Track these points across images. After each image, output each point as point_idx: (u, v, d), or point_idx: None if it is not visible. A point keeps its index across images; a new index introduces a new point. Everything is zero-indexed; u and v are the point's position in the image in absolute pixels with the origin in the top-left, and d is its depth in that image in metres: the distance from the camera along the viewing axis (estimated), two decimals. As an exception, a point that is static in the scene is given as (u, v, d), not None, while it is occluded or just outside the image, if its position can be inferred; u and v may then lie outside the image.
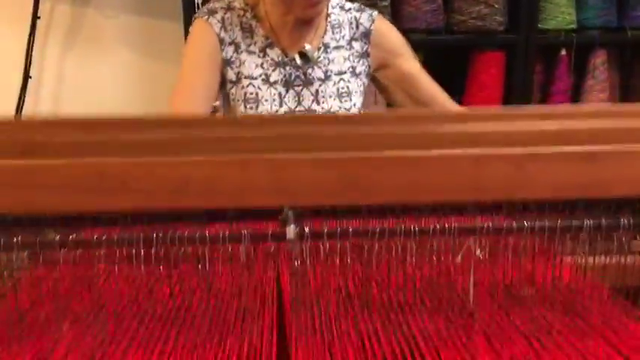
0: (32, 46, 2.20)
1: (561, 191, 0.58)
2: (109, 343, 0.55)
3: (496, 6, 2.14)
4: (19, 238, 0.57)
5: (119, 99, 2.28)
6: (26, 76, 2.20)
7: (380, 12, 2.13)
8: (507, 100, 2.19)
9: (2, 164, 0.56)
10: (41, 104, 2.25)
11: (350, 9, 1.35)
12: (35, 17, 2.20)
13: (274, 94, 1.27)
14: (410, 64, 1.35)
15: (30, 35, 2.20)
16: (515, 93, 2.16)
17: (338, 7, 1.34)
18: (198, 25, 1.27)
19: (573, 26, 2.15)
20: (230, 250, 0.60)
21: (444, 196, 0.57)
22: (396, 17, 2.16)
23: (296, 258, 0.59)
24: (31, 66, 2.20)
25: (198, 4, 2.02)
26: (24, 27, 2.21)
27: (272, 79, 1.28)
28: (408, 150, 0.58)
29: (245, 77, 1.27)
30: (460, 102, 2.26)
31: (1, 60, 2.11)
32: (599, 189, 0.58)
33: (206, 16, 1.26)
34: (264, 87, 1.28)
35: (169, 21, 2.27)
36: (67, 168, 0.55)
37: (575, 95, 2.21)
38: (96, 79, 2.30)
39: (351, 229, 0.60)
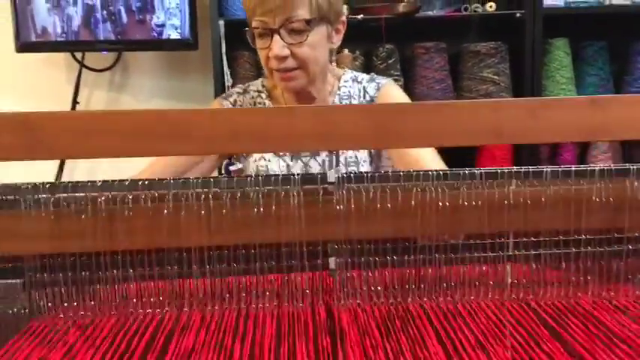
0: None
1: (569, 135, 0.65)
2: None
3: (502, 84, 2.30)
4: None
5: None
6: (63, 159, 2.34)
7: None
8: (518, 158, 2.29)
9: (78, 114, 0.65)
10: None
11: (362, 80, 1.39)
12: (75, 102, 2.38)
13: (282, 166, 1.34)
14: None
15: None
16: (523, 165, 2.26)
17: (351, 79, 1.39)
18: (212, 106, 1.44)
19: (575, 101, 2.29)
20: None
21: (467, 139, 0.65)
22: (409, 96, 2.30)
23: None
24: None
25: (228, 88, 2.19)
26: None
27: (281, 152, 1.33)
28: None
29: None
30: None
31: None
32: (604, 132, 0.65)
33: (220, 99, 1.42)
34: (273, 159, 1.34)
35: (201, 104, 2.44)
36: (137, 116, 0.64)
37: (581, 157, 2.30)
38: (129, 160, 2.43)
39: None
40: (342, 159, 1.33)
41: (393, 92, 1.39)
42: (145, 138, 0.63)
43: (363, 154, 1.34)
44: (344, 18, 1.31)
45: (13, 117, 0.63)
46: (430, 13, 2.31)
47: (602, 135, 0.65)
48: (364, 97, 1.36)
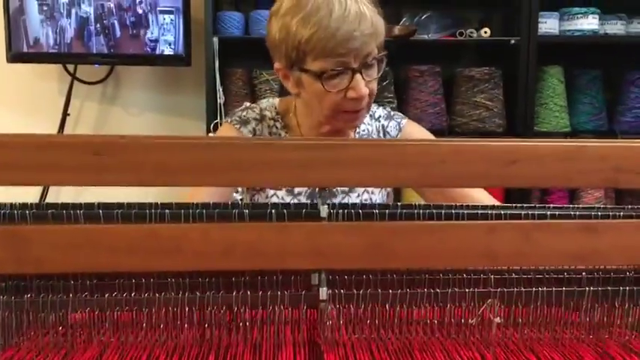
0: (59, 140, 2.34)
1: (563, 259, 0.65)
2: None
3: (495, 110, 2.30)
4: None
5: (141, 193, 2.39)
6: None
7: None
8: (508, 200, 2.29)
9: (69, 228, 0.64)
10: (62, 194, 2.35)
11: (379, 117, 1.33)
12: (65, 114, 2.36)
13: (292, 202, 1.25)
14: None
15: (59, 131, 2.35)
16: (515, 193, 2.26)
17: (368, 115, 1.30)
18: (228, 131, 1.28)
19: (567, 129, 2.30)
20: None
21: (459, 261, 0.65)
22: (401, 119, 2.31)
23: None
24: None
25: (221, 104, 2.18)
26: (55, 122, 2.36)
27: (296, 191, 1.26)
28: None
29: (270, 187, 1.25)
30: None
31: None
32: (598, 258, 0.65)
33: (238, 125, 1.27)
34: (287, 198, 1.26)
35: (192, 120, 2.42)
36: (127, 231, 0.63)
37: (572, 194, 2.31)
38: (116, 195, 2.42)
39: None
40: (356, 202, 1.25)
41: (414, 133, 1.34)
42: (135, 253, 0.63)
43: (378, 197, 1.30)
44: None
45: (1, 230, 0.62)
46: (425, 36, 2.30)
47: (595, 260, 0.65)
48: (384, 135, 1.31)
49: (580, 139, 2.29)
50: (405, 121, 1.33)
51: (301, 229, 0.64)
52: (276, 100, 1.33)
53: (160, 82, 2.50)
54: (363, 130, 1.31)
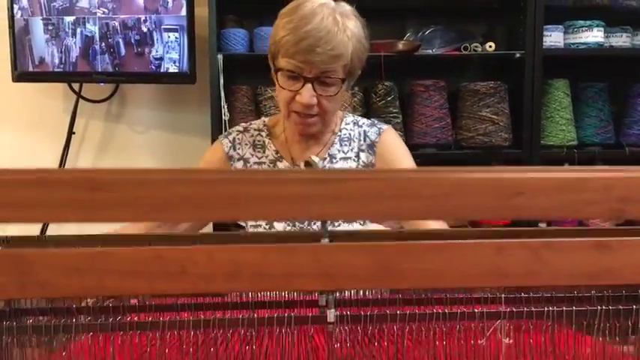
0: (65, 159, 2.35)
1: (575, 278, 0.64)
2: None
3: (501, 124, 2.29)
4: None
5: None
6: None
7: (393, 128, 2.29)
8: (515, 225, 2.27)
9: (73, 251, 0.64)
10: (63, 231, 2.33)
11: (363, 124, 1.41)
12: (70, 132, 2.36)
13: (281, 227, 1.30)
14: None
15: (64, 149, 2.35)
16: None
17: (352, 122, 1.41)
18: (213, 145, 1.47)
19: (574, 143, 2.29)
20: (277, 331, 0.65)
21: (468, 281, 0.64)
22: (407, 133, 2.31)
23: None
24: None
25: (226, 121, 2.17)
26: (60, 141, 2.37)
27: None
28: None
29: None
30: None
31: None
32: (610, 276, 0.64)
33: (222, 138, 1.44)
34: (277, 224, 1.30)
35: (197, 137, 2.42)
36: (132, 254, 0.62)
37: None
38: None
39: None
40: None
41: (393, 139, 1.42)
42: (139, 276, 0.62)
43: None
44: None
45: (4, 254, 0.61)
46: (430, 51, 2.30)
47: (609, 278, 0.64)
48: (364, 140, 1.39)
49: (587, 152, 2.28)
50: (385, 127, 1.43)
51: (308, 250, 0.63)
52: (267, 118, 1.47)
53: (165, 99, 2.50)
54: (344, 134, 1.40)
